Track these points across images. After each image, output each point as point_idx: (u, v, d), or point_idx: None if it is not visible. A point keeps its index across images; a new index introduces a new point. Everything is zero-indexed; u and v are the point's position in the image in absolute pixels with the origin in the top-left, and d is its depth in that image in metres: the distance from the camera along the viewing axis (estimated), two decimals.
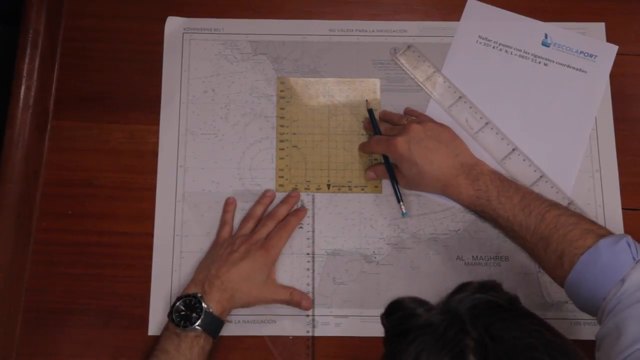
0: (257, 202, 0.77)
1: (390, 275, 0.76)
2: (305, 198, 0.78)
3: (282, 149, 0.80)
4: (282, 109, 0.81)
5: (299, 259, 0.77)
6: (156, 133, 0.80)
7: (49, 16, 0.81)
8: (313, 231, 0.77)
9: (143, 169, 0.79)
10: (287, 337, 0.74)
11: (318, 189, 0.79)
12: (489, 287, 0.50)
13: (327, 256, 0.77)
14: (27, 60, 0.79)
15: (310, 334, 0.74)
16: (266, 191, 0.78)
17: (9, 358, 0.73)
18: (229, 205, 0.77)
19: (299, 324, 0.74)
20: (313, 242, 0.77)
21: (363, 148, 0.79)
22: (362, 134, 0.80)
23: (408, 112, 0.80)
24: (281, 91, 0.82)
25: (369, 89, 0.82)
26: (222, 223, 0.77)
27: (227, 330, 0.72)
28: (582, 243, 0.63)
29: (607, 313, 0.59)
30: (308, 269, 0.76)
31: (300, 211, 0.77)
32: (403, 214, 0.76)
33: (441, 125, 0.76)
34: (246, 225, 0.75)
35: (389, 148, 0.74)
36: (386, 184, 0.79)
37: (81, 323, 0.74)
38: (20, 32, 0.79)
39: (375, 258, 0.77)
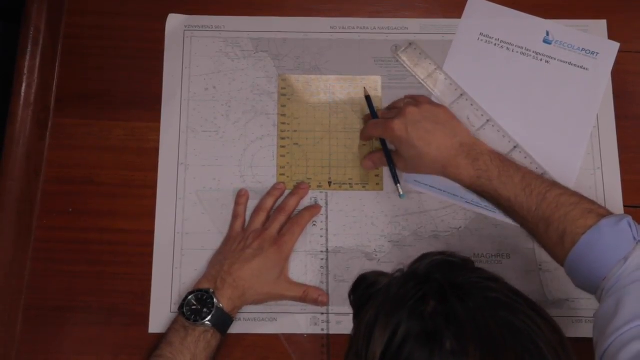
0: (268, 194, 0.77)
1: None
2: (318, 195, 0.78)
3: (283, 147, 0.80)
4: (284, 106, 0.81)
5: (312, 257, 0.77)
6: (157, 130, 0.80)
7: (50, 13, 0.81)
8: (327, 229, 0.77)
9: (144, 167, 0.79)
10: (302, 335, 0.74)
11: (319, 187, 0.79)
12: (447, 253, 0.53)
13: (329, 253, 0.77)
14: (28, 57, 0.79)
15: (325, 332, 0.74)
16: (277, 184, 0.78)
17: (9, 355, 0.73)
18: (241, 197, 0.77)
19: (303, 321, 0.74)
20: (327, 240, 0.77)
21: (361, 134, 0.79)
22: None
23: (407, 97, 0.79)
24: (282, 88, 0.81)
25: (370, 86, 0.82)
26: (235, 216, 0.77)
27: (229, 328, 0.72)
28: (583, 223, 0.63)
29: (607, 291, 0.59)
30: (322, 267, 0.76)
31: (315, 207, 0.77)
32: (401, 196, 0.76)
33: (438, 105, 0.75)
34: (257, 218, 0.75)
35: (385, 131, 0.73)
36: (387, 182, 0.79)
37: (82, 320, 0.74)
38: (21, 29, 0.79)
39: (376, 256, 0.76)
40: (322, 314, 0.75)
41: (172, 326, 0.69)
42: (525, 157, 0.79)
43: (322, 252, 0.77)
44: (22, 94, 0.78)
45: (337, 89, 0.82)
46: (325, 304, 0.74)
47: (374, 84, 0.82)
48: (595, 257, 0.61)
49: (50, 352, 0.74)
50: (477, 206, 0.78)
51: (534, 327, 0.46)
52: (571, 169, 0.79)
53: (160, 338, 0.69)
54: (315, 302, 0.73)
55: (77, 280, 0.75)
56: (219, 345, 0.69)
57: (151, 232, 0.77)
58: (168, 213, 0.77)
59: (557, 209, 0.65)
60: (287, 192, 0.78)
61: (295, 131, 0.80)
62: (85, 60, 0.82)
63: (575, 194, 0.67)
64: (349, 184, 0.79)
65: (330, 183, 0.79)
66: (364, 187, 0.79)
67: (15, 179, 0.76)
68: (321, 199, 0.78)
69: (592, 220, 0.63)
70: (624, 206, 0.78)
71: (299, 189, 0.78)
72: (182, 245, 0.77)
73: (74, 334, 0.74)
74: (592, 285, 0.62)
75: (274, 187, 0.78)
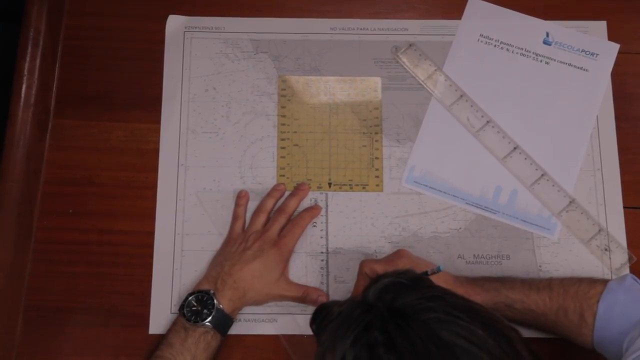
0: (268, 195, 0.77)
1: None
2: (318, 196, 0.78)
3: (283, 148, 0.80)
4: (284, 107, 0.81)
5: (312, 258, 0.77)
6: (157, 131, 0.80)
7: (50, 15, 0.81)
8: (327, 230, 0.77)
9: (144, 168, 0.79)
10: (302, 335, 0.74)
11: (319, 188, 0.79)
12: (399, 272, 0.53)
13: (329, 254, 0.77)
14: (28, 58, 0.79)
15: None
16: (277, 185, 0.78)
17: (9, 357, 0.73)
18: (241, 198, 0.77)
19: (303, 321, 0.74)
20: (327, 241, 0.77)
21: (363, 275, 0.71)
22: (364, 133, 0.80)
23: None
24: (282, 89, 0.82)
25: (370, 88, 0.82)
26: (235, 217, 0.77)
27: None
28: (593, 292, 0.66)
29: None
30: (322, 268, 0.76)
31: (315, 209, 0.77)
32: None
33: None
34: (257, 219, 0.75)
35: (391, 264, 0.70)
36: (388, 183, 0.79)
37: (82, 322, 0.74)
38: (21, 30, 0.79)
39: (376, 256, 0.76)
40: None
41: (172, 327, 0.69)
42: (525, 158, 0.79)
43: (322, 253, 0.77)
44: (22, 95, 0.78)
45: (337, 90, 0.82)
46: None
47: (374, 85, 0.82)
48: (618, 316, 0.63)
49: (50, 353, 0.74)
50: (477, 207, 0.78)
51: (478, 344, 0.45)
52: (571, 170, 0.79)
53: (160, 339, 0.69)
54: (315, 303, 0.73)
55: (77, 281, 0.75)
56: (219, 346, 0.69)
57: (151, 234, 0.77)
58: (168, 214, 0.77)
59: (566, 291, 0.67)
60: (287, 194, 0.78)
61: (295, 132, 0.80)
62: (86, 62, 0.82)
63: (572, 276, 0.70)
64: (349, 185, 0.79)
65: (330, 184, 0.79)
66: (364, 188, 0.79)
67: (16, 180, 0.76)
68: (321, 200, 0.78)
69: (600, 287, 0.66)
70: (624, 207, 0.78)
71: (299, 190, 0.78)
72: (182, 247, 0.77)
73: (74, 335, 0.74)
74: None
75: (274, 189, 0.78)
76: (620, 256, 0.76)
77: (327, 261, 0.76)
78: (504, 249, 0.77)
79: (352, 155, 0.80)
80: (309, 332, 0.73)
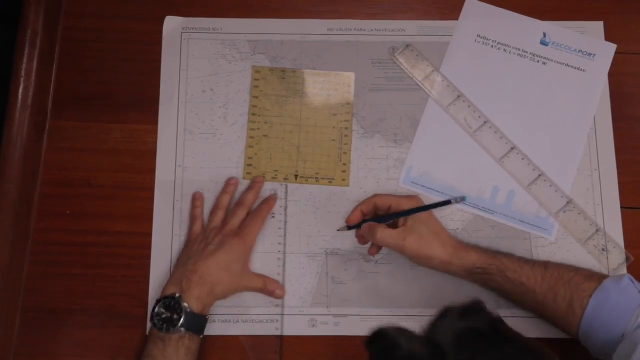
0: (223, 192, 0.77)
1: (389, 274, 0.76)
2: (278, 188, 0.78)
3: (252, 137, 0.80)
4: (256, 97, 0.81)
5: (270, 250, 0.77)
6: (155, 133, 0.80)
7: (48, 16, 0.81)
8: (285, 222, 0.77)
9: (142, 169, 0.79)
10: (260, 336, 0.74)
11: (286, 179, 0.79)
12: (472, 311, 0.50)
13: (326, 255, 0.77)
14: (25, 60, 0.79)
15: (279, 333, 0.75)
16: (229, 179, 0.78)
17: (7, 358, 0.73)
18: (196, 200, 0.77)
19: (295, 323, 0.74)
20: (285, 233, 0.77)
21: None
22: (334, 127, 0.80)
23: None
24: (255, 80, 0.81)
25: (343, 82, 0.81)
26: (192, 219, 0.76)
27: (207, 330, 0.71)
28: (587, 286, 0.66)
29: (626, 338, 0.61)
30: (279, 259, 0.76)
31: (271, 199, 0.77)
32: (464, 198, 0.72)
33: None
34: (216, 216, 0.75)
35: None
36: (385, 184, 0.79)
37: (80, 323, 0.74)
38: (19, 32, 0.79)
39: (374, 257, 0.76)
40: (276, 314, 0.75)
41: (149, 338, 0.68)
42: (523, 159, 0.79)
43: (319, 254, 0.77)
44: (20, 97, 0.78)
45: (309, 84, 0.81)
46: (282, 296, 0.75)
47: (348, 80, 0.81)
48: (607, 316, 0.63)
49: (48, 354, 0.74)
50: (475, 208, 0.78)
51: None
52: (568, 171, 0.79)
53: (140, 351, 0.68)
54: (272, 295, 0.74)
55: (74, 282, 0.75)
56: (200, 347, 0.69)
57: (149, 235, 0.77)
58: (166, 215, 0.77)
59: (560, 277, 0.67)
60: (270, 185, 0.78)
61: (266, 123, 0.80)
62: (83, 63, 0.82)
63: (571, 265, 0.70)
64: (315, 177, 0.79)
65: (296, 176, 0.79)
66: (330, 182, 0.79)
67: (13, 181, 0.76)
68: (291, 192, 0.78)
69: (595, 283, 0.66)
70: (622, 207, 0.78)
71: (255, 183, 0.78)
72: (179, 248, 0.76)
73: (71, 336, 0.74)
74: (610, 346, 0.62)
75: (227, 184, 0.78)
76: (618, 256, 0.76)
77: (326, 263, 0.76)
78: (501, 249, 0.76)
79: (320, 148, 0.79)
80: (269, 332, 0.74)
